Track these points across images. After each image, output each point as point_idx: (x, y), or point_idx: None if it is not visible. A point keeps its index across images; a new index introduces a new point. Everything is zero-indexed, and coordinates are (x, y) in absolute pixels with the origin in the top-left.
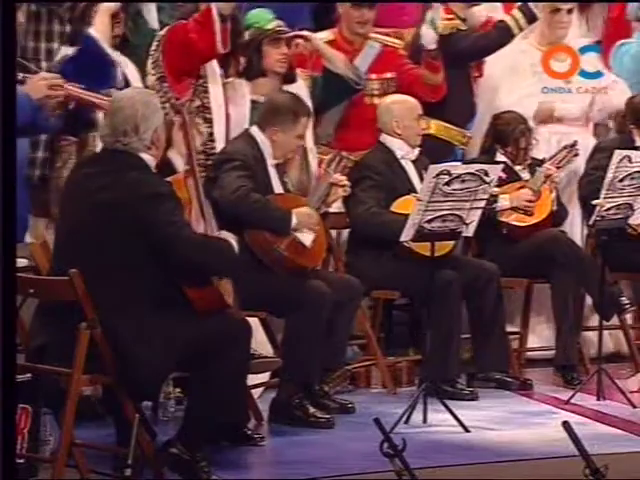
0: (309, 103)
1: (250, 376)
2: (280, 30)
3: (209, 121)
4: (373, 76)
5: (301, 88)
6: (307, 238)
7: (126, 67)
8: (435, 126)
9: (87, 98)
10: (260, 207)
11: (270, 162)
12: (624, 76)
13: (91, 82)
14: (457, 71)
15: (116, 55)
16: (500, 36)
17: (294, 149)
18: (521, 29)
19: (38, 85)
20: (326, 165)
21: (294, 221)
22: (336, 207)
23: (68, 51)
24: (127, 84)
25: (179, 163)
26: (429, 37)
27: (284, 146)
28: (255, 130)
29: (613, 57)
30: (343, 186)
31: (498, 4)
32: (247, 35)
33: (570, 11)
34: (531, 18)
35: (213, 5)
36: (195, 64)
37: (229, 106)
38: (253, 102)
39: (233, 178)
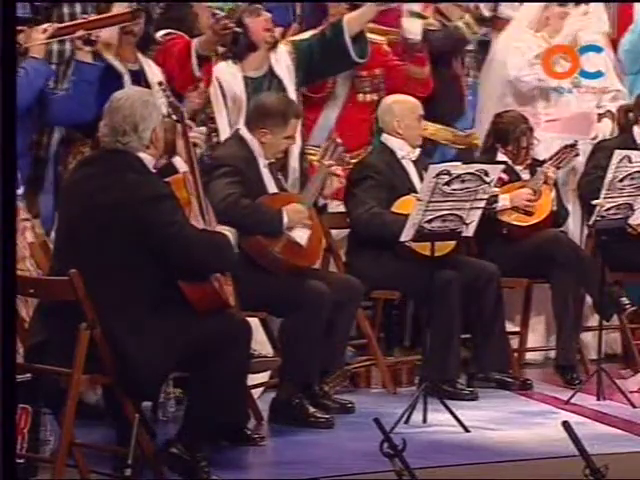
0: (292, 69)
1: (250, 376)
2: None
3: (215, 130)
4: (364, 73)
5: (282, 54)
6: (302, 237)
7: None
8: (433, 129)
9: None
10: (250, 212)
11: (262, 162)
12: (624, 69)
13: None
14: (442, 69)
15: None
16: (456, 40)
17: (284, 149)
18: (474, 33)
19: (37, 38)
20: (321, 155)
21: (285, 219)
22: (336, 207)
23: None
24: None
25: (181, 166)
26: (414, 28)
27: (273, 147)
28: (244, 131)
29: (619, 48)
30: (338, 176)
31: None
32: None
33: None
34: (480, 21)
35: (192, 47)
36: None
37: (226, 89)
38: (246, 78)
39: (222, 185)
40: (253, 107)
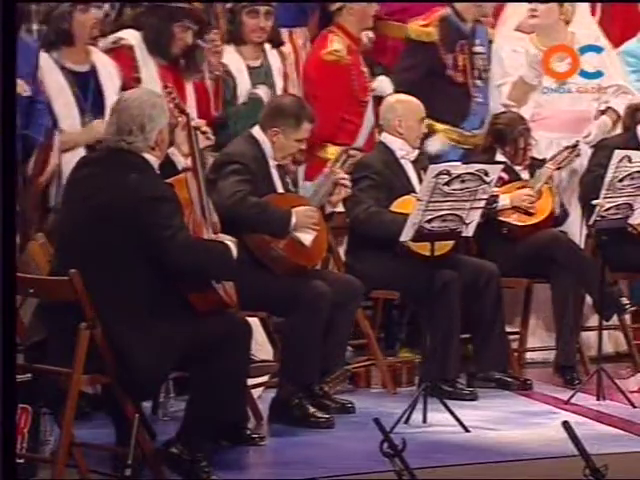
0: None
1: None
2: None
3: None
4: None
5: (276, 57)
6: (307, 238)
7: None
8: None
9: None
10: (258, 211)
11: (272, 163)
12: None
13: None
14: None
15: None
16: None
17: (294, 152)
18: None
19: None
20: (333, 163)
21: (293, 221)
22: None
23: None
24: None
25: (179, 160)
26: (383, 86)
27: (283, 148)
28: (257, 130)
29: (625, 54)
30: (346, 186)
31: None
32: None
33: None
34: None
35: None
36: None
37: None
38: (249, 67)
39: (230, 183)
40: (269, 106)
